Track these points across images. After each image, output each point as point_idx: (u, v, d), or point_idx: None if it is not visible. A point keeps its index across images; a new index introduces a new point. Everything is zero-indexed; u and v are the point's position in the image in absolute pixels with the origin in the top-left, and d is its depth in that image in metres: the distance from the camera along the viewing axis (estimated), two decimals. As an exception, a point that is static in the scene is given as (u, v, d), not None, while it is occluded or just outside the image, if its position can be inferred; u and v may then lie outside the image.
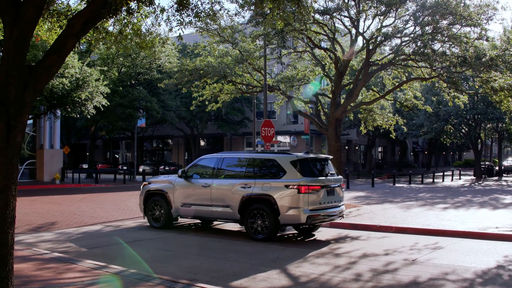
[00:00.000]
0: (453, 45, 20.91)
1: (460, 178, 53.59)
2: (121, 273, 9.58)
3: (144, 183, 17.87)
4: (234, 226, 17.26)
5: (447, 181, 47.78)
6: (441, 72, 21.00)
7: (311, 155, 15.19)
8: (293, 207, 13.80)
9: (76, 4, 10.17)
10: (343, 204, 15.46)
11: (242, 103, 60.16)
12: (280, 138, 61.77)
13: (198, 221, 17.84)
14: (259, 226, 14.33)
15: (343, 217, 15.65)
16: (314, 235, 15.71)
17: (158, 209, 16.68)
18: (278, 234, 15.26)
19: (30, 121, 42.59)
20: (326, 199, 14.41)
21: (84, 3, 9.05)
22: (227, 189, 15.06)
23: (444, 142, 66.00)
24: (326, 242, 14.09)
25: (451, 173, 54.89)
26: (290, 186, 13.89)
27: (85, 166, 63.80)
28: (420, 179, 46.70)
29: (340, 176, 15.66)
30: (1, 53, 7.28)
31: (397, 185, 39.92)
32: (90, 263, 10.50)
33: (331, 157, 16.26)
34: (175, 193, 16.20)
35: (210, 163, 16.15)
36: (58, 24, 9.30)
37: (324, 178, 14.62)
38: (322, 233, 15.68)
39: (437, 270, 10.37)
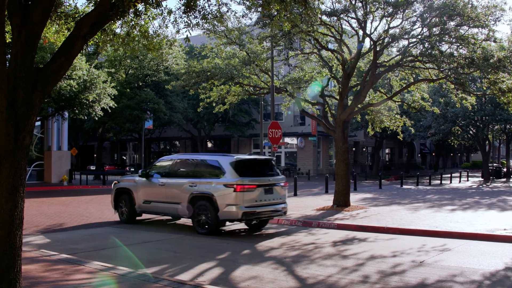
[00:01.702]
0: (460, 46, 20.84)
1: (467, 180, 53.44)
2: (128, 275, 9.61)
3: (115, 181, 19.48)
4: (242, 227, 17.32)
5: (455, 183, 47.66)
6: (449, 73, 20.94)
7: (250, 157, 17.24)
8: (230, 204, 15.24)
9: (83, 6, 10.21)
10: (284, 202, 16.81)
11: (249, 105, 60.15)
12: (287, 139, 61.74)
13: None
14: (203, 221, 15.88)
15: (285, 213, 17.24)
16: (261, 229, 17.10)
17: (124, 205, 18.40)
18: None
19: (38, 123, 42.68)
20: (264, 197, 15.90)
21: (92, 6, 9.09)
22: (179, 187, 16.62)
23: (452, 144, 65.80)
24: (333, 244, 14.08)
25: (458, 174, 54.73)
26: (228, 185, 15.36)
27: (92, 167, 63.90)
28: (428, 180, 46.61)
29: (281, 176, 17.06)
30: (9, 55, 7.27)
31: (404, 186, 39.83)
32: (98, 265, 10.53)
33: (273, 158, 18.32)
34: (138, 191, 17.93)
35: (166, 163, 18.11)
36: (65, 26, 9.34)
37: (261, 178, 16.08)
38: (329, 235, 15.68)
39: (445, 272, 10.35)
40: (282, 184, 16.63)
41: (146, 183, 17.75)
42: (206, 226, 15.74)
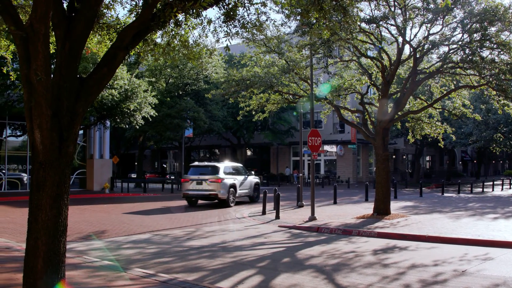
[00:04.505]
0: (502, 52, 20.58)
1: (510, 188, 52.41)
2: (169, 282, 9.70)
3: None
4: (282, 236, 17.34)
5: (497, 191, 46.81)
6: (490, 79, 20.67)
7: (196, 163, 32.14)
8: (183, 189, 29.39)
9: (125, 17, 10.38)
10: (213, 190, 27.90)
11: (288, 113, 60.11)
12: (326, 147, 61.57)
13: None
14: None
15: (212, 199, 28.71)
16: (196, 204, 29.63)
17: None
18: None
19: (80, 132, 43.28)
20: (196, 187, 28.34)
21: (133, 16, 9.23)
22: None
23: (494, 151, 64.79)
24: (374, 252, 14.00)
25: (501, 182, 53.58)
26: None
27: (133, 175, 64.52)
28: (469, 188, 45.92)
29: (215, 176, 28.05)
30: (53, 66, 7.42)
31: (445, 194, 39.36)
32: (139, 271, 10.67)
33: (213, 164, 30.56)
34: None
35: None
36: (107, 37, 9.51)
37: (195, 175, 28.64)
38: (369, 243, 15.59)
39: (487, 282, 10.21)
40: (209, 179, 27.92)
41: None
42: None
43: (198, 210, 26.34)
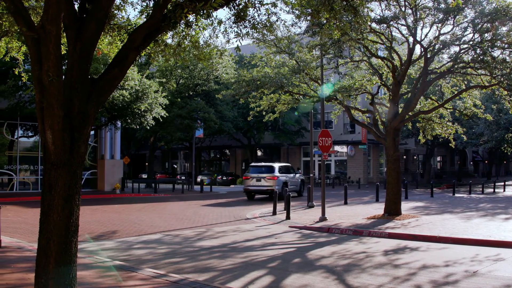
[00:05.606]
0: (513, 52, 20.51)
1: (522, 188, 52.18)
2: (180, 282, 9.72)
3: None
4: (293, 236, 17.33)
5: (508, 191, 46.49)
6: (502, 79, 20.57)
7: (255, 164, 38.10)
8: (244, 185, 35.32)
9: (135, 18, 10.42)
10: (271, 186, 33.33)
11: (299, 113, 60.03)
12: (337, 148, 61.48)
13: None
14: None
15: (269, 193, 33.16)
16: (254, 198, 35.42)
17: None
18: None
19: (91, 132, 43.38)
20: (255, 183, 34.14)
21: (144, 17, 9.26)
22: None
23: (505, 151, 64.44)
24: (385, 253, 13.97)
25: (512, 182, 53.41)
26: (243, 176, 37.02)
27: (144, 176, 64.66)
28: (481, 189, 45.66)
29: (271, 174, 33.85)
30: (65, 67, 7.46)
31: (456, 195, 39.16)
32: (150, 272, 10.70)
33: (270, 164, 36.22)
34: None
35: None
36: (118, 38, 9.53)
37: (254, 173, 34.37)
38: (380, 244, 15.56)
39: (498, 282, 10.17)
40: (267, 177, 33.68)
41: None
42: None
43: (210, 207, 26.40)
